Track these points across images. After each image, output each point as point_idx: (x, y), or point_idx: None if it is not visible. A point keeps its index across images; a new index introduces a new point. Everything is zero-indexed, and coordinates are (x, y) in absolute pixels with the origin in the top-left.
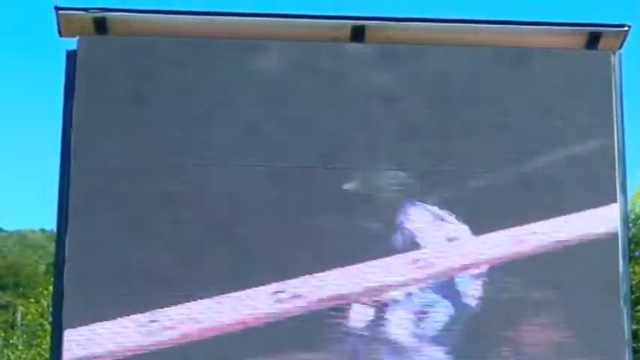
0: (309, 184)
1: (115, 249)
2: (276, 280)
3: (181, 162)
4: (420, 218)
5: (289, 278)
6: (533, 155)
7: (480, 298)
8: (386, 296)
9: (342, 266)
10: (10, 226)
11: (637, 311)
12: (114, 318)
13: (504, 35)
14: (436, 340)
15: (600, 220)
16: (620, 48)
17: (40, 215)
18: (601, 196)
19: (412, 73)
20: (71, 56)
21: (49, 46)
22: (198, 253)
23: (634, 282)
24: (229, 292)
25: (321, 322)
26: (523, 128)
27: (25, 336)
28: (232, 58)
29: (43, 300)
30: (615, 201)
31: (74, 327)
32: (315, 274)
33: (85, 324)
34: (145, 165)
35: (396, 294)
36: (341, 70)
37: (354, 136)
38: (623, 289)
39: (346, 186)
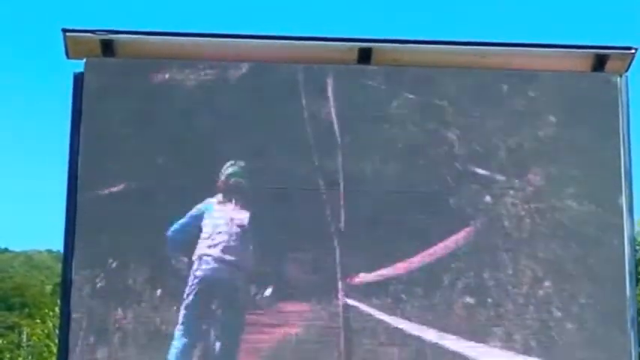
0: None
1: (122, 271)
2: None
3: (187, 184)
4: None
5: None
6: (541, 177)
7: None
8: None
9: None
10: (16, 247)
11: None
12: (120, 340)
13: (511, 58)
14: None
15: (607, 242)
16: (626, 71)
17: (46, 236)
18: (607, 218)
19: (419, 96)
20: (78, 78)
21: (58, 68)
22: (183, 193)
23: None
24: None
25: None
26: (529, 151)
27: (30, 357)
28: (239, 80)
29: (49, 321)
30: (622, 223)
31: (80, 348)
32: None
33: (91, 346)
34: (151, 187)
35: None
36: (347, 92)
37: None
38: (630, 312)
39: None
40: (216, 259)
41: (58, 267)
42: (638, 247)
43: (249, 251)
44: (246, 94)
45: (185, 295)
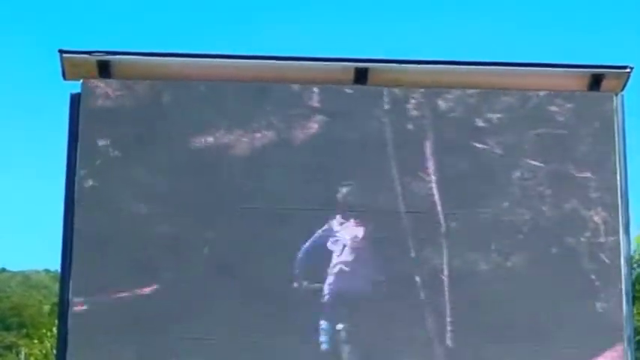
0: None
1: (119, 291)
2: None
3: (186, 205)
4: None
5: None
6: (536, 197)
7: None
8: None
9: None
10: (14, 267)
11: None
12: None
13: (506, 77)
14: None
15: (603, 261)
16: (622, 90)
17: (44, 256)
18: (460, 155)
19: (352, 91)
20: (75, 99)
21: (56, 90)
22: (203, 295)
23: (638, 323)
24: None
25: None
26: (523, 171)
27: None
28: (238, 102)
29: (46, 341)
30: (618, 242)
31: None
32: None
33: (102, 214)
34: (149, 208)
35: None
36: (346, 112)
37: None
38: (627, 330)
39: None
40: (348, 274)
41: (56, 287)
42: (634, 266)
43: (372, 265)
44: (245, 115)
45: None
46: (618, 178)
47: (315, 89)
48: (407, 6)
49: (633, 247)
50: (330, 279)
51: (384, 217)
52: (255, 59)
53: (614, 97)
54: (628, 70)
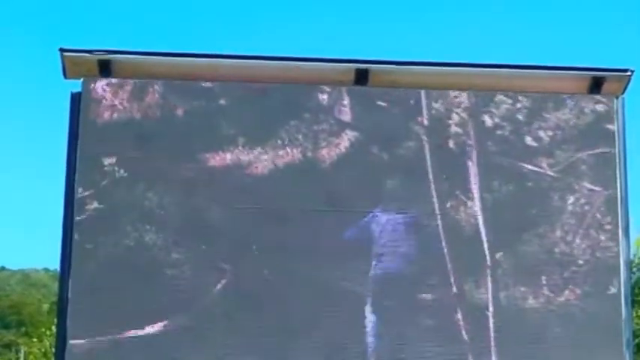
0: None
1: (118, 291)
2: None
3: (185, 205)
4: None
5: None
6: (534, 200)
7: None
8: None
9: None
10: (13, 265)
11: None
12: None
13: (505, 79)
14: None
15: (602, 264)
16: (622, 93)
17: (43, 255)
18: (604, 240)
19: (413, 117)
20: (76, 98)
21: (57, 88)
22: (201, 297)
23: (637, 327)
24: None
25: None
26: (522, 173)
27: None
28: (259, 115)
29: (45, 340)
30: (618, 245)
31: None
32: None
33: (105, 241)
34: (149, 207)
35: None
36: (379, 128)
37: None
38: (626, 334)
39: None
40: (389, 256)
41: (55, 285)
42: (634, 270)
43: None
44: (245, 114)
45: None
46: (618, 181)
47: (346, 102)
48: (407, 6)
49: (633, 250)
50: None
51: (422, 247)
52: (255, 59)
53: (615, 101)
54: (629, 73)
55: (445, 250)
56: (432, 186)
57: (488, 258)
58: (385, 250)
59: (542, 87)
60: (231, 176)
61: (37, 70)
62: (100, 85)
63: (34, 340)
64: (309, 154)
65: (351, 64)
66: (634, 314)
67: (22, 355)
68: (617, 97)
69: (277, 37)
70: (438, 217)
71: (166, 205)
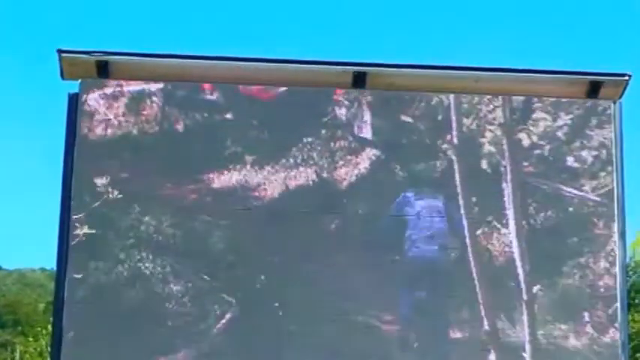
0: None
1: (110, 329)
2: None
3: (186, 230)
4: None
5: None
6: (576, 227)
7: None
8: None
9: None
10: (9, 265)
11: (636, 359)
12: None
13: (504, 83)
14: None
15: (599, 268)
16: (620, 97)
17: (40, 254)
18: (546, 203)
19: (441, 134)
20: (73, 99)
21: (54, 89)
22: (204, 333)
23: (633, 330)
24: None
25: None
26: (563, 197)
27: None
28: (268, 131)
29: (41, 339)
30: (507, 182)
31: None
32: None
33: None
34: (145, 233)
35: None
36: (404, 146)
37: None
38: (622, 337)
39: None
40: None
41: (52, 285)
42: (630, 273)
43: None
44: (243, 116)
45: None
46: (615, 185)
47: (366, 117)
48: (402, 10)
49: (629, 254)
50: None
51: (450, 278)
52: (252, 62)
53: (612, 105)
54: (626, 77)
55: (476, 283)
56: (462, 211)
57: (524, 292)
58: (414, 282)
59: (540, 91)
60: (238, 199)
61: (36, 70)
62: (94, 97)
63: (30, 339)
64: (325, 174)
65: (348, 67)
66: (630, 317)
67: (17, 355)
68: (614, 102)
69: (277, 41)
70: (468, 245)
71: (165, 231)
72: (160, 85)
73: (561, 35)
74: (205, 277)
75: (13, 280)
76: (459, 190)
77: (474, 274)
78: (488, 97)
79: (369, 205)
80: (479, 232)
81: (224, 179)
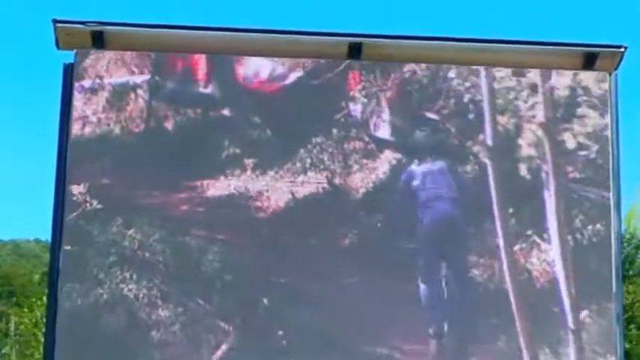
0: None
1: (95, 318)
2: None
3: (176, 246)
4: None
5: None
6: (477, 150)
7: None
8: None
9: None
10: (4, 236)
11: (629, 330)
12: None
13: (499, 54)
14: None
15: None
16: (616, 69)
17: (34, 225)
18: (595, 215)
19: (473, 134)
20: (68, 69)
21: (47, 57)
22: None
23: (627, 301)
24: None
25: None
26: (565, 184)
27: (17, 346)
28: (245, 110)
29: (36, 310)
30: (549, 190)
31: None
32: None
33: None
34: (129, 249)
35: None
36: (427, 149)
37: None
38: (616, 308)
39: None
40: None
41: (47, 256)
42: (624, 244)
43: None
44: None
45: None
46: (610, 157)
47: (385, 114)
48: None
49: (624, 225)
50: None
51: (483, 301)
52: (247, 32)
53: (608, 77)
54: (622, 49)
55: (513, 308)
56: (497, 223)
57: (569, 318)
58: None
59: (535, 62)
60: (236, 209)
61: (32, 39)
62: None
63: (25, 310)
64: (337, 180)
65: (344, 38)
66: (624, 289)
67: (12, 325)
68: (610, 74)
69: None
70: (504, 263)
71: (152, 247)
72: (146, 77)
73: (554, 8)
74: (199, 300)
75: (8, 251)
76: (493, 199)
77: (511, 298)
78: (527, 91)
79: (388, 217)
80: (516, 248)
81: (220, 186)
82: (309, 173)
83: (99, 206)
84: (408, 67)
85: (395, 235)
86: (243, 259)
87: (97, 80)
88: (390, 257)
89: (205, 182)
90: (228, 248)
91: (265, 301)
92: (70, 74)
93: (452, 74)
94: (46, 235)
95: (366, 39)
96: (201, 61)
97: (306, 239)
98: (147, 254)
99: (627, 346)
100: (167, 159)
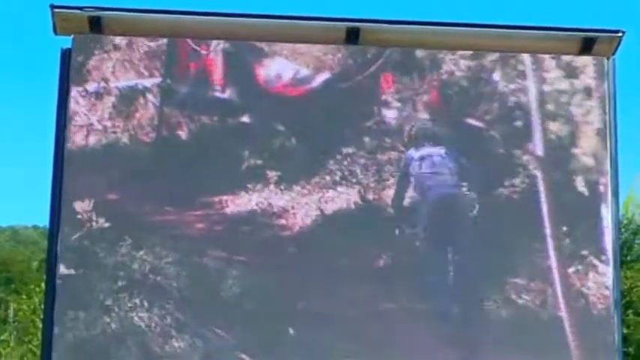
0: None
1: (102, 351)
2: None
3: (192, 269)
4: None
5: None
6: (526, 160)
7: None
8: None
9: None
10: (2, 222)
11: (627, 315)
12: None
13: (497, 39)
14: None
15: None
16: (613, 54)
17: (32, 212)
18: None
19: (521, 142)
20: (66, 54)
21: (46, 44)
22: (210, 356)
23: (625, 287)
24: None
25: None
26: (513, 133)
27: (16, 332)
28: (267, 117)
29: (35, 297)
30: (607, 206)
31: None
32: None
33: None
34: (139, 272)
35: None
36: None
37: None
38: (614, 294)
39: None
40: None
41: (45, 243)
42: (622, 230)
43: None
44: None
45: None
46: (608, 142)
47: (422, 122)
48: None
49: (621, 211)
50: None
51: (535, 331)
52: (244, 17)
53: (606, 61)
54: (620, 34)
55: (568, 338)
56: (549, 242)
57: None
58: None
59: (532, 48)
60: (258, 228)
61: (30, 23)
62: (72, 95)
63: (24, 297)
64: (370, 195)
65: (341, 23)
66: (622, 274)
67: (11, 312)
68: (608, 58)
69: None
70: (557, 286)
71: (165, 270)
72: (157, 80)
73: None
74: (217, 330)
75: (6, 238)
76: (544, 216)
77: (566, 327)
78: (581, 95)
79: (427, 234)
80: (571, 270)
81: (240, 202)
82: (339, 187)
83: (106, 225)
84: (446, 68)
85: (434, 256)
86: (267, 283)
87: (103, 84)
88: (429, 280)
89: (224, 198)
90: (250, 271)
91: (291, 331)
92: (67, 60)
93: (496, 76)
94: (45, 222)
95: (364, 24)
96: (217, 63)
97: (336, 260)
98: (159, 278)
99: (625, 331)
100: (181, 171)
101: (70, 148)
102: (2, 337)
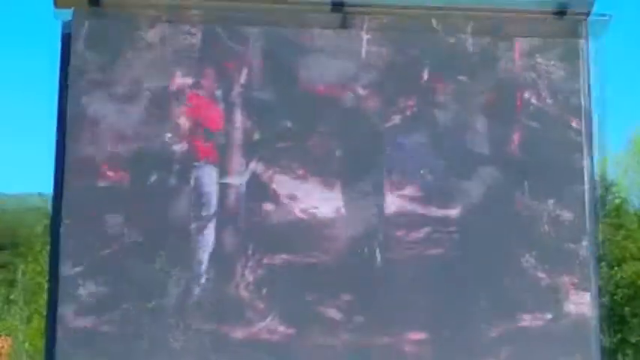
0: None
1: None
2: None
3: (172, 130)
4: None
5: None
6: (505, 122)
7: None
8: None
9: None
10: (8, 189)
11: (601, 268)
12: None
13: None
14: None
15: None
16: (587, 16)
17: (38, 180)
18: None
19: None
20: (66, 26)
21: (48, 14)
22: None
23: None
24: None
25: None
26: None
27: (24, 292)
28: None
29: (40, 259)
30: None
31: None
32: None
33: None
34: (139, 139)
35: None
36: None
37: None
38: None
39: None
40: None
41: (47, 207)
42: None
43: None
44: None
45: None
46: (582, 102)
47: (480, 124)
48: None
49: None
50: None
51: None
52: None
53: (583, 22)
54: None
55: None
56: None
57: None
58: None
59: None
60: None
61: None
62: (96, 98)
63: (29, 260)
64: None
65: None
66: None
67: (19, 273)
68: (581, 21)
69: None
70: None
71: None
72: (191, 81)
73: None
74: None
75: (12, 204)
76: None
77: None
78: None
79: (484, 248)
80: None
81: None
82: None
83: (140, 239)
84: (503, 63)
85: (491, 271)
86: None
87: (134, 86)
88: (486, 297)
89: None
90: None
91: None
92: (68, 31)
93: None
94: (49, 189)
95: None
96: (255, 62)
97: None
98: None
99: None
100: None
101: (87, 151)
102: (12, 297)
